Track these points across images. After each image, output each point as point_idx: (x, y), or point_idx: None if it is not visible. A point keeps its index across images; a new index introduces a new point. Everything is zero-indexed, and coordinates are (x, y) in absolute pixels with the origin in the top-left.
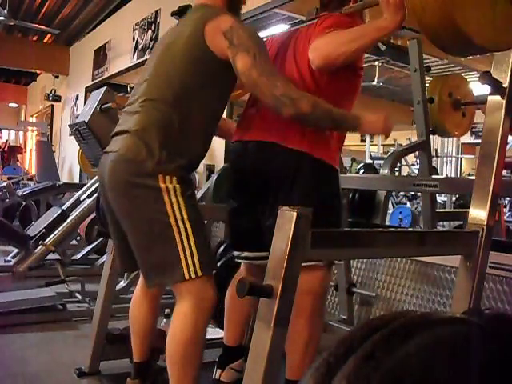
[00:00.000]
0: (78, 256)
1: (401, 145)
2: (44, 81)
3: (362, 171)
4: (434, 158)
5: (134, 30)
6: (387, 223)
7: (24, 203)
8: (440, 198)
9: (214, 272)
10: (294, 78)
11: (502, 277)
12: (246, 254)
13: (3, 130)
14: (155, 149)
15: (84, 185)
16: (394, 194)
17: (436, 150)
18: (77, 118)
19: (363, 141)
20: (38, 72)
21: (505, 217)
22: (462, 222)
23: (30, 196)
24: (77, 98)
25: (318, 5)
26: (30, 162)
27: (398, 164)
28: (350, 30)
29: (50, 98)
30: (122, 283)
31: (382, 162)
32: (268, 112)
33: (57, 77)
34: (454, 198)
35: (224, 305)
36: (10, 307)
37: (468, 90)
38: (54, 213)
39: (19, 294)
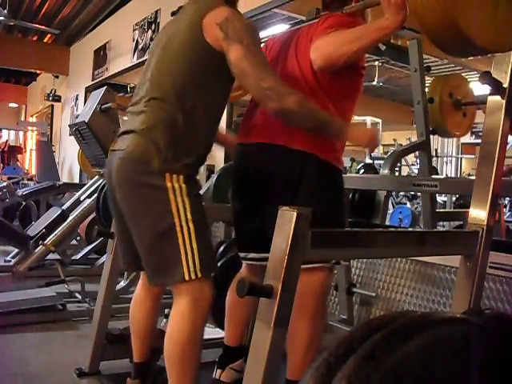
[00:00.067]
0: (78, 256)
1: (401, 145)
2: (44, 81)
3: (361, 171)
4: (434, 158)
5: (134, 30)
6: (387, 223)
7: (24, 203)
8: (440, 198)
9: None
10: (296, 77)
11: (501, 277)
12: (252, 255)
13: (3, 130)
14: (162, 147)
15: (84, 185)
16: (394, 194)
17: (436, 150)
18: (77, 118)
19: None
20: (38, 72)
21: (505, 217)
22: (461, 222)
23: (30, 196)
24: (77, 98)
25: (318, 5)
26: (30, 162)
27: (398, 164)
28: (351, 30)
29: (50, 98)
30: (122, 283)
31: (381, 161)
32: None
33: (57, 77)
34: (454, 198)
35: (224, 305)
36: (9, 307)
37: (468, 90)
38: (53, 213)
39: (19, 294)
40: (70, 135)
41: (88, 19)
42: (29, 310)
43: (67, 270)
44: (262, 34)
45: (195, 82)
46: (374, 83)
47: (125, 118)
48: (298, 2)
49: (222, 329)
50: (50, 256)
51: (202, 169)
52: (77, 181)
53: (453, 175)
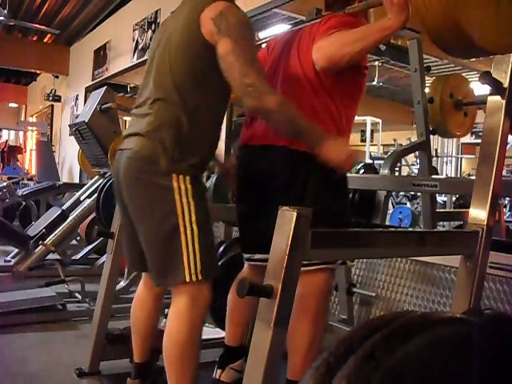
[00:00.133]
0: (78, 256)
1: (401, 145)
2: (44, 81)
3: (361, 171)
4: (434, 158)
5: (134, 30)
6: (387, 223)
7: (24, 203)
8: (440, 198)
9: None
10: (298, 77)
11: (501, 277)
12: (258, 256)
13: (3, 130)
14: (168, 147)
15: (84, 185)
16: (394, 194)
17: (436, 150)
18: (77, 117)
19: (363, 141)
20: (38, 72)
21: (505, 217)
22: (461, 222)
23: (30, 196)
24: (77, 98)
25: (318, 5)
26: (30, 162)
27: (398, 164)
28: (354, 31)
29: (50, 98)
30: (122, 283)
31: (382, 162)
32: None
33: (57, 77)
34: (454, 198)
35: (223, 304)
36: (10, 307)
37: (469, 90)
38: (53, 213)
39: (19, 294)
40: (70, 135)
41: (88, 19)
42: (29, 310)
43: (67, 270)
44: (263, 34)
45: (196, 80)
46: (374, 83)
47: (125, 118)
48: (297, 2)
49: (222, 329)
50: (50, 256)
51: None
52: (77, 181)
53: (453, 175)
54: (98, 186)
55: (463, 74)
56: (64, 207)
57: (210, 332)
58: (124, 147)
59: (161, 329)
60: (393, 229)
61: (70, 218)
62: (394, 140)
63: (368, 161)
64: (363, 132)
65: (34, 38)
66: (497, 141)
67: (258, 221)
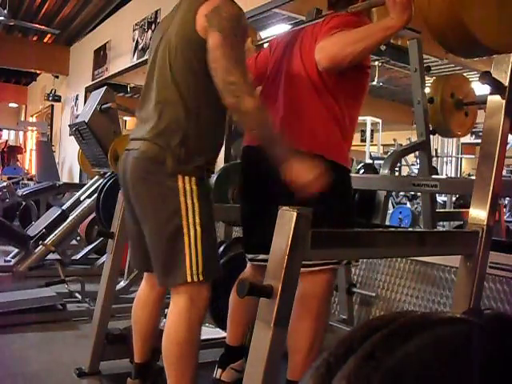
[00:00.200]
0: (78, 256)
1: (401, 145)
2: (44, 81)
3: (361, 171)
4: (434, 158)
5: (134, 30)
6: (387, 223)
7: (24, 203)
8: (440, 198)
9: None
10: (301, 77)
11: (502, 277)
12: (262, 256)
13: (3, 130)
14: (174, 148)
15: (84, 185)
16: (394, 194)
17: (436, 150)
18: (77, 117)
19: (363, 141)
20: (38, 72)
21: (505, 217)
22: (461, 222)
23: (30, 196)
24: (77, 98)
25: (318, 5)
26: (30, 162)
27: (398, 164)
28: (356, 30)
29: (50, 98)
30: (122, 283)
31: (381, 162)
32: (277, 115)
33: (57, 77)
34: (454, 198)
35: (224, 304)
36: (10, 307)
37: (470, 90)
38: (53, 213)
39: (19, 294)
40: (70, 135)
41: (88, 19)
42: (29, 310)
43: (67, 270)
44: (263, 35)
45: (196, 80)
46: (374, 83)
47: (125, 118)
48: (297, 2)
49: (223, 329)
50: (50, 256)
51: None
52: (77, 181)
53: (453, 175)
54: (98, 186)
55: (463, 74)
56: (64, 207)
57: (210, 332)
58: (131, 147)
59: (161, 329)
60: (393, 229)
61: (70, 218)
62: (394, 140)
63: (368, 161)
64: (363, 132)
65: (34, 38)
66: (497, 141)
67: (262, 222)
